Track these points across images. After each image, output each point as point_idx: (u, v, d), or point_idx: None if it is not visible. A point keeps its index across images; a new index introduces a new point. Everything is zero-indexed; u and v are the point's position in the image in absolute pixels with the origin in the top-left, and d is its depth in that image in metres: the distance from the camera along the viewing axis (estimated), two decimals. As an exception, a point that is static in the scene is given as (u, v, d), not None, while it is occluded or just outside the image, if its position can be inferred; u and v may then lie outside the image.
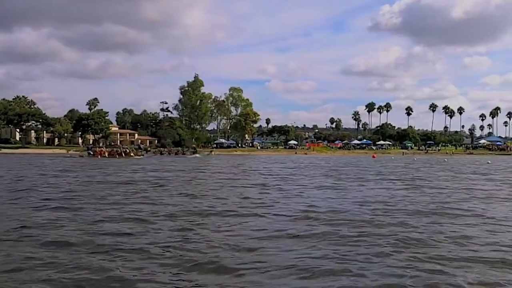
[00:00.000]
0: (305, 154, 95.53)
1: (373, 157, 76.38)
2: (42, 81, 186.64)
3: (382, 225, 10.71)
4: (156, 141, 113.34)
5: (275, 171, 34.05)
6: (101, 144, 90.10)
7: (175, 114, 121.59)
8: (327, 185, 21.80)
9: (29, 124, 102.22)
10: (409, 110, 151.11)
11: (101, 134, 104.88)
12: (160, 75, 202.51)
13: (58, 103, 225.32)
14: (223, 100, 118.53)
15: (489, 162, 57.01)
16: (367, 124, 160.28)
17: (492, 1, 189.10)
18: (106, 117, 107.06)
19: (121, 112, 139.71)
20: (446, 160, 66.63)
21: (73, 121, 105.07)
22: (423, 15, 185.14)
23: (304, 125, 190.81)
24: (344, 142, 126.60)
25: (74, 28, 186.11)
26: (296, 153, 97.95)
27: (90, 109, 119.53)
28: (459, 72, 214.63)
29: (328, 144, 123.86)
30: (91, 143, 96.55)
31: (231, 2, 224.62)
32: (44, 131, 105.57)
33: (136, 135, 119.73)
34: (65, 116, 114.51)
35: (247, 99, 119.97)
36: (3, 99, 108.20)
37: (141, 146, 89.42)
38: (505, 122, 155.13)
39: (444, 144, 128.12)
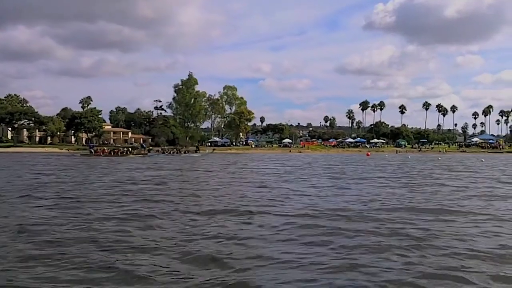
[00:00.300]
0: (300, 152, 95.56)
1: (367, 155, 76.54)
2: (36, 79, 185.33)
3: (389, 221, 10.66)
4: (150, 139, 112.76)
5: (287, 171, 33.93)
6: (95, 142, 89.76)
7: (169, 112, 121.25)
8: (340, 186, 21.69)
9: (21, 122, 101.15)
10: (402, 109, 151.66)
11: (94, 133, 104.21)
12: (155, 73, 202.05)
13: (52, 101, 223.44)
14: (217, 99, 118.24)
15: (483, 160, 57.31)
16: (361, 122, 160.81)
17: (485, 0, 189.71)
18: (99, 116, 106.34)
19: (115, 110, 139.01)
20: (439, 158, 66.92)
21: (66, 120, 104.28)
22: (416, 14, 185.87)
23: (299, 123, 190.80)
24: (338, 140, 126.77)
25: (68, 26, 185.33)
26: (290, 151, 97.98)
27: (83, 107, 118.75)
28: (452, 71, 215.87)
29: (322, 143, 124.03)
30: (93, 142, 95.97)
31: (226, 0, 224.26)
32: (37, 130, 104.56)
33: (130, 133, 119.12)
34: (58, 114, 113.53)
35: (242, 98, 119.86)
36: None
37: (144, 144, 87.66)
38: (497, 120, 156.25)
39: (437, 142, 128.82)
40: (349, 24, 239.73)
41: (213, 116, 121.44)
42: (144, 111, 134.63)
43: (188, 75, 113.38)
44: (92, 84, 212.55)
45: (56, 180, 22.54)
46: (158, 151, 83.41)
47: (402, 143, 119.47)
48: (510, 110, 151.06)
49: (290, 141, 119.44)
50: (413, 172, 32.29)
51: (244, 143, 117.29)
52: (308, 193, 17.09)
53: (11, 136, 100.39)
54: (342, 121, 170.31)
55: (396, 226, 10.30)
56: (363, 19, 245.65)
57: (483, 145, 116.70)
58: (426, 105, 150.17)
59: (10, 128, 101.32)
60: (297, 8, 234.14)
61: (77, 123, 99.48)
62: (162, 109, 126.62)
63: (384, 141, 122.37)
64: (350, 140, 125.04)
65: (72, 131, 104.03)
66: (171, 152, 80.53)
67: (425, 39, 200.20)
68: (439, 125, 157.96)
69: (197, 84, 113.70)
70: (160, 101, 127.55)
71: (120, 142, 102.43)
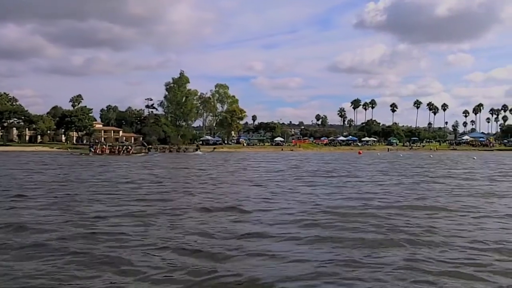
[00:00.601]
0: (292, 151, 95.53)
1: (359, 153, 76.73)
2: (26, 77, 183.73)
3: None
4: (141, 138, 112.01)
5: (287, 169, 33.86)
6: (85, 141, 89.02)
7: (160, 111, 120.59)
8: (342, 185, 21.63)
9: (11, 121, 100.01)
10: (394, 107, 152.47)
11: (84, 131, 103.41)
12: (146, 72, 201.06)
13: (42, 100, 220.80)
14: (209, 97, 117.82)
15: (475, 158, 57.68)
16: (352, 120, 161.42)
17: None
18: (90, 114, 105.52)
19: (106, 109, 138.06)
20: (431, 156, 67.23)
21: (56, 118, 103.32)
22: (407, 12, 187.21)
23: (290, 121, 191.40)
24: (330, 138, 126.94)
25: (58, 24, 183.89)
26: (282, 149, 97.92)
27: (73, 106, 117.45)
28: (443, 69, 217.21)
29: (314, 141, 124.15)
30: (91, 141, 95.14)
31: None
32: (27, 129, 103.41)
33: (121, 132, 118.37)
34: (48, 113, 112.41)
35: (233, 96, 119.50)
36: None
37: (145, 143, 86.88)
38: (488, 118, 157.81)
39: (428, 140, 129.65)
40: (341, 22, 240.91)
41: (204, 114, 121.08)
42: (135, 109, 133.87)
43: (180, 74, 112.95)
44: (83, 83, 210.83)
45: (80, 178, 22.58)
46: (157, 149, 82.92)
47: (394, 141, 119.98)
48: (500, 108, 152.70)
49: (282, 139, 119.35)
50: (406, 170, 32.34)
51: (236, 141, 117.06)
52: (304, 192, 17.00)
53: (1, 135, 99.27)
54: (334, 119, 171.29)
55: (393, 222, 10.32)
56: (354, 18, 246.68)
57: (474, 143, 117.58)
58: (417, 104, 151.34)
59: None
60: (289, 6, 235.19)
61: (68, 121, 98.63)
62: (154, 108, 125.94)
63: (375, 139, 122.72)
64: (341, 138, 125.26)
65: (63, 130, 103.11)
66: (171, 151, 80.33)
67: (416, 37, 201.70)
68: (430, 123, 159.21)
69: (188, 82, 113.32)
70: (151, 100, 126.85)
71: (111, 141, 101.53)
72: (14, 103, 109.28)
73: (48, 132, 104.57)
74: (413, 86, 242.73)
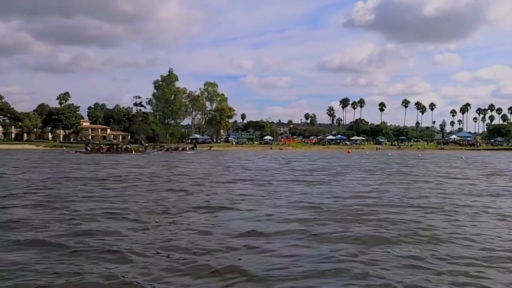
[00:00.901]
0: (281, 149, 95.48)
1: (348, 152, 76.88)
2: (11, 74, 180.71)
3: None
4: (129, 136, 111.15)
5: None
6: (72, 140, 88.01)
7: (148, 109, 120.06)
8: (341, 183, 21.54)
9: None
10: (382, 106, 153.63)
11: (71, 129, 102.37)
12: (134, 69, 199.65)
13: (28, 97, 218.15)
14: (198, 95, 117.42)
15: (463, 157, 58.12)
16: (341, 119, 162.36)
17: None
18: (77, 112, 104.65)
19: (93, 107, 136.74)
20: (419, 155, 67.72)
21: (43, 116, 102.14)
22: (395, 12, 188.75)
23: (279, 120, 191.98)
24: (319, 137, 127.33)
25: (45, 20, 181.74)
26: (271, 148, 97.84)
27: (60, 103, 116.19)
28: (430, 69, 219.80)
29: (303, 140, 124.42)
30: (89, 138, 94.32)
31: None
32: (12, 126, 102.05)
33: (109, 130, 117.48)
34: (34, 110, 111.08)
35: (223, 94, 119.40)
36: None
37: (142, 142, 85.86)
38: (475, 118, 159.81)
39: (416, 139, 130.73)
40: (330, 21, 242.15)
41: (193, 112, 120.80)
42: (123, 107, 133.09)
43: (168, 71, 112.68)
44: (70, 80, 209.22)
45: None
46: (154, 148, 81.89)
47: (382, 140, 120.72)
48: (487, 108, 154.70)
49: (271, 138, 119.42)
50: (397, 167, 32.47)
51: (225, 140, 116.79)
52: (296, 191, 16.88)
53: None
54: (323, 118, 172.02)
55: (389, 219, 10.25)
56: (343, 17, 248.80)
57: (461, 142, 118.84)
58: (405, 103, 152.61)
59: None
60: (278, 4, 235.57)
61: (55, 119, 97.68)
62: (142, 106, 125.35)
63: (364, 138, 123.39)
64: (330, 137, 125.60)
65: (49, 128, 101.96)
66: (168, 149, 79.38)
67: (405, 37, 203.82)
68: (417, 123, 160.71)
69: (177, 80, 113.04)
70: (139, 98, 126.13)
71: (98, 139, 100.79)
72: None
73: (35, 130, 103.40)
74: (401, 85, 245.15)
